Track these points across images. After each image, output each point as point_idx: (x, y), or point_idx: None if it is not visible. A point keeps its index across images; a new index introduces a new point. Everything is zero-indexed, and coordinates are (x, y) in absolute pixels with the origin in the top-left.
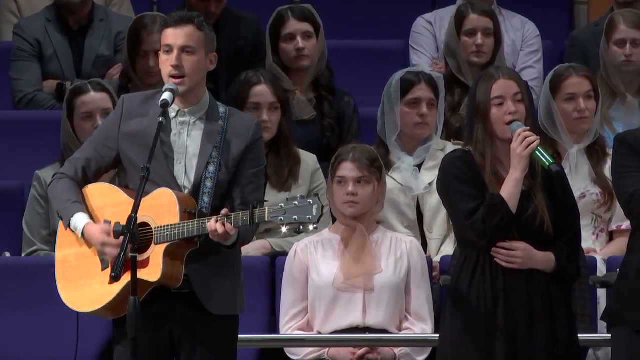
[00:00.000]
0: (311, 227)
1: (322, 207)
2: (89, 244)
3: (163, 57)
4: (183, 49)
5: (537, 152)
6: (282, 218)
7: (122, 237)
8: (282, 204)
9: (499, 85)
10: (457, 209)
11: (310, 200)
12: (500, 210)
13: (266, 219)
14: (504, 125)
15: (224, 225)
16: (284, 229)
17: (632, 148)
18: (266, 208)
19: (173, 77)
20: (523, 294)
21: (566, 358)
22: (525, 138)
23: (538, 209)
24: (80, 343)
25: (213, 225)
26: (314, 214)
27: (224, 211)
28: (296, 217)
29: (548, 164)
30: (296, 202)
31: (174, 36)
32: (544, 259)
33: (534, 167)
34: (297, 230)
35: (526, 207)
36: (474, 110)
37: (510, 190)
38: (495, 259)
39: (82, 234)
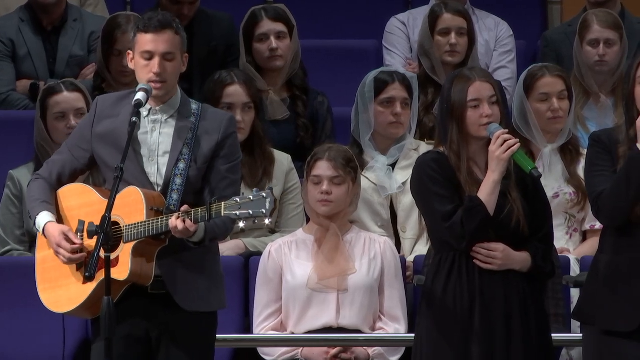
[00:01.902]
0: (267, 221)
1: (275, 200)
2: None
3: (141, 62)
4: (164, 56)
5: (518, 155)
6: (238, 213)
7: (79, 241)
8: (238, 199)
9: (476, 87)
10: (434, 211)
11: (264, 194)
12: (479, 212)
13: (222, 214)
14: (479, 127)
15: (184, 221)
16: (241, 224)
17: (606, 147)
18: (222, 203)
19: (154, 82)
20: (500, 294)
21: (540, 358)
22: (505, 141)
23: (514, 209)
24: (67, 342)
25: (174, 222)
26: (267, 207)
27: (184, 207)
28: (251, 211)
29: (530, 167)
30: (251, 197)
31: (155, 43)
32: (521, 259)
33: (508, 166)
34: (254, 223)
35: (502, 207)
36: (448, 111)
37: (488, 192)
38: (473, 260)
39: (43, 232)
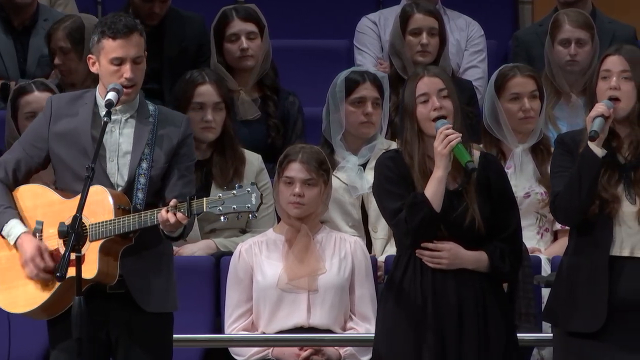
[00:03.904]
0: (251, 216)
1: (261, 195)
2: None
3: (110, 67)
4: (134, 60)
5: (456, 149)
6: (221, 208)
7: (51, 264)
8: (220, 194)
9: (424, 82)
10: (384, 208)
11: (249, 189)
12: (421, 209)
13: (204, 210)
14: (430, 122)
15: (175, 214)
16: (222, 219)
17: (569, 149)
18: (204, 199)
19: (126, 88)
20: (452, 293)
21: (503, 358)
22: (447, 136)
23: (468, 208)
24: (12, 348)
25: (164, 215)
26: (253, 202)
27: (173, 202)
28: (235, 206)
29: (465, 161)
30: (234, 192)
31: (125, 48)
32: (473, 259)
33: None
34: (238, 219)
35: (456, 206)
36: (403, 109)
37: (432, 189)
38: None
39: (15, 241)
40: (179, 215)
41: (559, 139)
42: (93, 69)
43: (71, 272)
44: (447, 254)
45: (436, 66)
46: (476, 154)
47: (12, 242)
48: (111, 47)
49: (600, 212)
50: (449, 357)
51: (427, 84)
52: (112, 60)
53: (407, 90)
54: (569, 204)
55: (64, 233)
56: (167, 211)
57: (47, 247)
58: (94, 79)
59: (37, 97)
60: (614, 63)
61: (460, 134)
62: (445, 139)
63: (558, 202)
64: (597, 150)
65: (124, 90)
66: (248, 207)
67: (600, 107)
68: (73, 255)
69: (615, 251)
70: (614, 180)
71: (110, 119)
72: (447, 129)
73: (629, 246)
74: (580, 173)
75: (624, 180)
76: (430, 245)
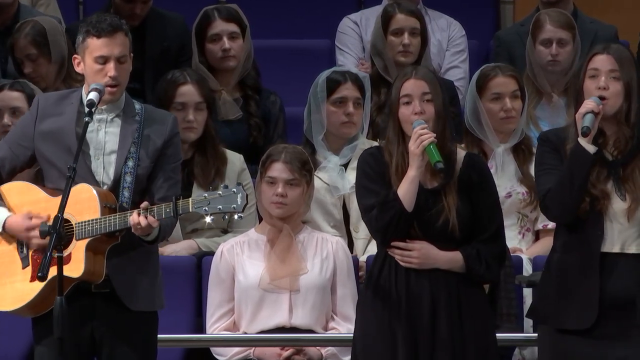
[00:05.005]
0: (236, 217)
1: (247, 195)
2: (8, 241)
3: (95, 66)
4: (118, 59)
5: (427, 148)
6: (207, 208)
7: (45, 216)
8: (206, 194)
9: (409, 84)
10: (360, 204)
11: (235, 189)
12: (392, 207)
13: (190, 210)
14: (411, 124)
15: (146, 217)
16: (208, 219)
17: (554, 146)
18: (189, 199)
19: (110, 87)
20: (426, 293)
21: (482, 358)
22: (420, 136)
23: (444, 208)
24: None
25: (136, 218)
26: (239, 202)
27: (144, 204)
28: (220, 206)
29: (434, 160)
30: (220, 192)
31: (109, 47)
32: (446, 259)
33: (452, 166)
34: (223, 219)
35: (431, 206)
36: (388, 107)
37: (405, 188)
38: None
39: (4, 227)
40: (150, 218)
41: (543, 137)
42: (78, 69)
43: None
44: (418, 253)
45: (426, 68)
46: (461, 154)
47: (1, 230)
48: (95, 46)
49: (591, 209)
50: (422, 357)
51: (412, 86)
52: (97, 58)
53: (393, 89)
54: (561, 201)
55: (45, 233)
56: (139, 214)
57: (34, 213)
58: (63, 80)
59: (5, 95)
60: (602, 62)
61: (434, 134)
62: (418, 138)
63: (549, 199)
64: (589, 146)
65: (109, 89)
66: (234, 207)
67: (590, 104)
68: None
69: (606, 248)
70: (602, 177)
71: (92, 118)
72: (422, 129)
73: (620, 242)
74: (572, 169)
75: (613, 177)
76: (401, 244)
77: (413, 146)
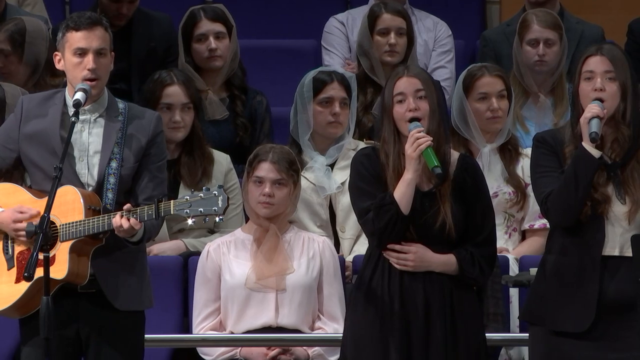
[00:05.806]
0: (217, 219)
1: (228, 198)
2: None
3: (73, 59)
4: (97, 52)
5: (425, 153)
6: (188, 211)
7: (35, 210)
8: (188, 197)
9: (402, 82)
10: (355, 206)
11: (215, 192)
12: (388, 210)
13: (172, 212)
14: (406, 122)
15: (128, 220)
16: (190, 222)
17: (551, 148)
18: (171, 201)
19: (90, 80)
20: (420, 295)
21: (474, 358)
22: (417, 139)
23: (440, 211)
24: None
25: (118, 220)
26: (220, 205)
27: (126, 206)
28: (202, 209)
29: (432, 165)
30: (201, 195)
31: (88, 40)
32: (441, 262)
33: (447, 167)
34: (204, 221)
35: (427, 209)
36: (383, 107)
37: (401, 191)
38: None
39: None
40: (132, 220)
41: (540, 138)
42: (59, 66)
43: (41, 272)
44: (413, 256)
45: (418, 67)
46: (454, 155)
47: None
48: (74, 39)
49: (593, 212)
50: (415, 359)
51: (405, 83)
52: (75, 50)
53: (386, 89)
54: (564, 205)
55: (31, 233)
56: (121, 216)
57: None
58: (35, 84)
59: None
60: (596, 63)
61: (431, 138)
62: (415, 142)
63: (551, 203)
64: (594, 151)
65: (88, 83)
66: (214, 210)
67: (595, 108)
68: (41, 256)
69: (607, 251)
70: (603, 180)
71: (78, 118)
72: (419, 132)
73: (619, 245)
74: (577, 173)
75: (613, 180)
76: (396, 246)
77: (410, 149)
